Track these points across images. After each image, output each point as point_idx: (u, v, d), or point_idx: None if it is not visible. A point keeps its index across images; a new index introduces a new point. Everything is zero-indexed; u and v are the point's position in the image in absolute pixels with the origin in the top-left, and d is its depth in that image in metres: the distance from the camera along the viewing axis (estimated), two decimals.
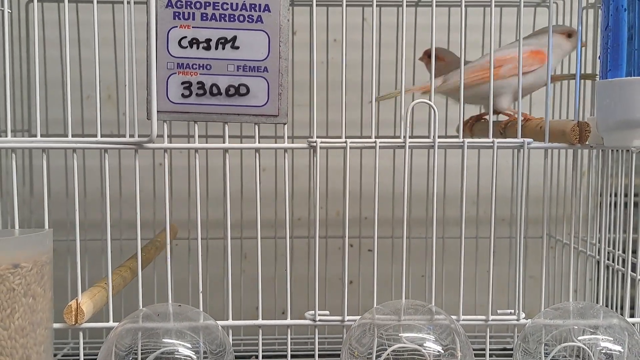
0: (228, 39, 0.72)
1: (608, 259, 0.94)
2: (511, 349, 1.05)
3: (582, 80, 0.91)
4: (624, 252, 0.89)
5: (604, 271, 0.84)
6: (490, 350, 0.79)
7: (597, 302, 0.86)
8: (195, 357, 0.68)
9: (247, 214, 1.06)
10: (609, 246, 0.95)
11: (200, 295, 0.77)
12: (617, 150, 0.88)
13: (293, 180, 1.10)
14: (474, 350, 0.72)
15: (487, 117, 1.00)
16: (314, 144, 0.75)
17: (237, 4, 0.71)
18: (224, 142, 0.75)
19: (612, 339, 0.70)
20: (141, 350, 0.68)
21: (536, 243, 1.07)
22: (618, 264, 0.94)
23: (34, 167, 1.06)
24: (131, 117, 0.74)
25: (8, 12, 0.73)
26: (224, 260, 1.05)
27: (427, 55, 1.00)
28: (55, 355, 0.97)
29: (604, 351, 0.70)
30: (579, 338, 0.71)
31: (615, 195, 0.88)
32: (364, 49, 1.06)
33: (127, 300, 0.95)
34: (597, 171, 0.98)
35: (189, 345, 0.69)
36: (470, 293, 0.95)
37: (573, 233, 0.82)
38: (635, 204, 0.82)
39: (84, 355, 0.77)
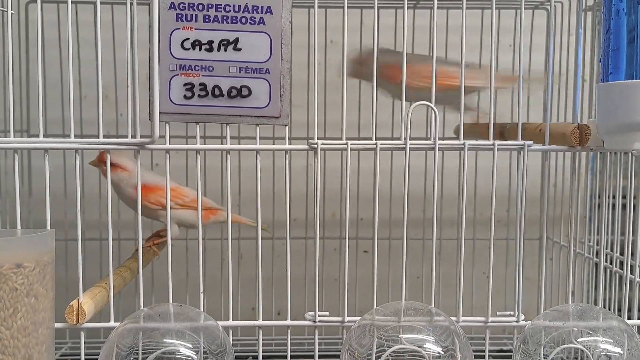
0: (230, 40, 0.72)
1: (605, 261, 0.94)
2: (507, 351, 1.06)
3: (581, 82, 0.91)
4: (621, 254, 0.90)
5: (602, 273, 0.84)
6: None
7: (595, 304, 0.86)
8: (195, 357, 0.68)
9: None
10: (606, 248, 0.95)
11: (201, 295, 0.77)
12: (615, 153, 0.88)
13: (291, 181, 1.10)
14: None
15: None
16: (315, 145, 0.75)
17: (239, 6, 0.71)
18: (223, 143, 0.75)
19: (611, 341, 0.71)
20: (142, 350, 0.68)
21: (532, 245, 1.07)
22: (615, 266, 0.95)
23: (32, 167, 1.06)
24: (131, 118, 0.74)
25: (11, 13, 0.72)
26: (221, 261, 1.05)
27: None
28: None
29: (603, 353, 0.70)
30: (579, 340, 0.71)
31: (614, 197, 0.89)
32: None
33: (125, 300, 0.95)
34: (594, 173, 0.98)
35: (190, 346, 0.69)
36: (467, 294, 0.96)
37: (572, 235, 0.82)
38: (634, 206, 0.82)
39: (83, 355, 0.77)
